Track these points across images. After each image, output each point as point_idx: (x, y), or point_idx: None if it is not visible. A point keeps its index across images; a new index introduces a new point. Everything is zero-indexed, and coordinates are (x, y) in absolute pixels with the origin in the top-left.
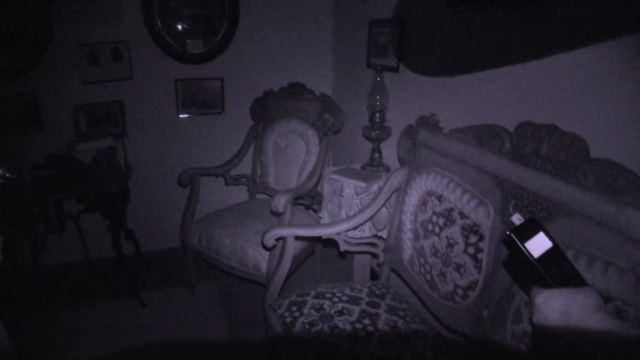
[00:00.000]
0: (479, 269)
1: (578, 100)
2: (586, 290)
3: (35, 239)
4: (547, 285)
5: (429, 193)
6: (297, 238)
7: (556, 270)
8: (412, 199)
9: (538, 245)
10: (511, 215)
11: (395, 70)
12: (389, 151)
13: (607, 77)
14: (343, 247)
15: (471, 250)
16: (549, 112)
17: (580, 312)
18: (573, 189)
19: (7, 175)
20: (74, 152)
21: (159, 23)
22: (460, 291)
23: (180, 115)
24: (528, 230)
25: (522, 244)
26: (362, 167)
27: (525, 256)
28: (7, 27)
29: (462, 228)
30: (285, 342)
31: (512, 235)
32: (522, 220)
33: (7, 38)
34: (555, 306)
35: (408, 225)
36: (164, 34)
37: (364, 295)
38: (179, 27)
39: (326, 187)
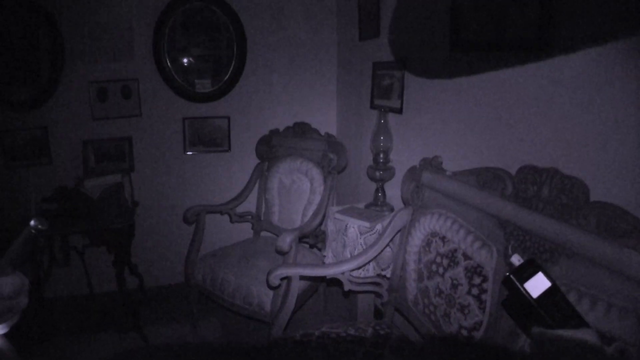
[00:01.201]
0: (483, 309)
1: (578, 144)
2: (585, 332)
3: (39, 271)
4: (546, 325)
5: (433, 234)
6: (302, 277)
7: (555, 310)
8: (416, 240)
9: (537, 285)
10: (510, 255)
11: (399, 111)
12: (393, 191)
13: (607, 121)
14: (347, 287)
15: (475, 291)
16: (549, 155)
17: (580, 353)
18: (574, 232)
19: (40, 227)
20: (82, 187)
21: (168, 62)
22: (464, 332)
23: (187, 153)
24: (527, 270)
25: (522, 284)
26: (366, 207)
27: (525, 297)
28: (20, 64)
29: (466, 269)
30: None
31: (511, 276)
32: (522, 260)
33: (20, 74)
34: (554, 346)
35: (412, 265)
36: (172, 73)
37: (368, 335)
38: (188, 66)
39: (330, 227)
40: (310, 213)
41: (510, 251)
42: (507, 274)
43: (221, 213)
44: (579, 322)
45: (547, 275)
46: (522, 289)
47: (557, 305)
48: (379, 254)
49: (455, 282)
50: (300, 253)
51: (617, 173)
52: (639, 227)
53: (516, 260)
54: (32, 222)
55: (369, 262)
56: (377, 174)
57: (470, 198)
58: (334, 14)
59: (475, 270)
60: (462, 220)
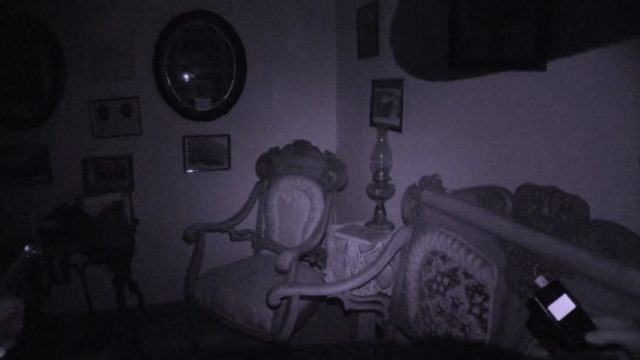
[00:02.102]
0: (484, 328)
1: (578, 162)
2: (608, 355)
3: (39, 288)
4: (570, 347)
5: (433, 252)
6: (302, 297)
7: (579, 332)
8: (417, 258)
9: (561, 307)
10: (535, 277)
11: (398, 129)
12: (393, 209)
13: (607, 138)
14: (348, 306)
15: (476, 310)
16: (549, 173)
17: None
18: (575, 250)
19: (34, 252)
20: (82, 205)
21: (168, 81)
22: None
23: (187, 171)
24: (552, 292)
25: (546, 307)
26: (367, 225)
27: (549, 319)
28: (22, 82)
29: (467, 288)
30: None
31: (535, 298)
32: (546, 282)
33: (22, 92)
34: None
35: (413, 284)
36: (173, 92)
37: (369, 355)
38: (188, 85)
39: (331, 245)
40: (310, 231)
41: (535, 273)
42: (532, 296)
43: (221, 231)
44: (603, 346)
45: (572, 297)
46: (546, 311)
47: (582, 328)
48: (380, 272)
49: (456, 301)
50: (301, 272)
51: (617, 191)
52: (639, 245)
53: (541, 282)
54: (26, 248)
55: (369, 281)
56: (377, 192)
57: (470, 216)
58: (333, 33)
59: (476, 289)
60: (463, 239)
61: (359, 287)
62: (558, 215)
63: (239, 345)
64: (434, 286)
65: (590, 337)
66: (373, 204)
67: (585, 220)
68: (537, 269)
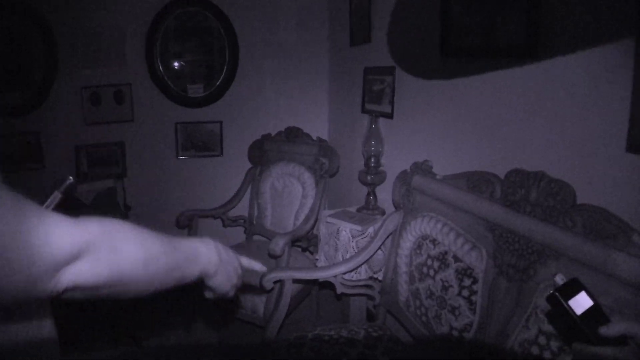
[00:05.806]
0: (473, 311)
1: (566, 148)
2: (626, 350)
3: None
4: (588, 341)
5: (424, 237)
6: (295, 281)
7: (598, 327)
8: (407, 243)
9: (580, 303)
10: (554, 275)
11: (390, 116)
12: (384, 195)
13: (594, 125)
14: (340, 290)
15: (465, 292)
16: (537, 159)
17: None
18: (561, 234)
19: (73, 180)
20: (75, 192)
21: (161, 68)
22: (455, 333)
23: (180, 157)
24: (570, 289)
25: (566, 301)
26: (358, 210)
27: (569, 314)
28: (14, 69)
29: (456, 271)
30: None
31: (556, 294)
32: (564, 279)
33: (13, 79)
34: None
35: (403, 268)
36: (165, 78)
37: (361, 337)
38: (180, 71)
39: (322, 230)
40: (302, 217)
41: (553, 271)
42: (552, 291)
43: (214, 217)
44: (620, 340)
45: (590, 294)
46: (566, 306)
47: (600, 323)
48: (371, 257)
49: (446, 284)
50: (293, 256)
51: (604, 176)
52: (624, 229)
53: (559, 279)
54: (70, 177)
55: (361, 265)
56: (369, 177)
57: (459, 201)
58: (326, 20)
59: (465, 272)
60: (452, 223)
61: (351, 271)
62: (546, 200)
63: (232, 331)
64: (425, 270)
65: (603, 330)
66: (364, 190)
67: (572, 205)
68: (556, 267)
